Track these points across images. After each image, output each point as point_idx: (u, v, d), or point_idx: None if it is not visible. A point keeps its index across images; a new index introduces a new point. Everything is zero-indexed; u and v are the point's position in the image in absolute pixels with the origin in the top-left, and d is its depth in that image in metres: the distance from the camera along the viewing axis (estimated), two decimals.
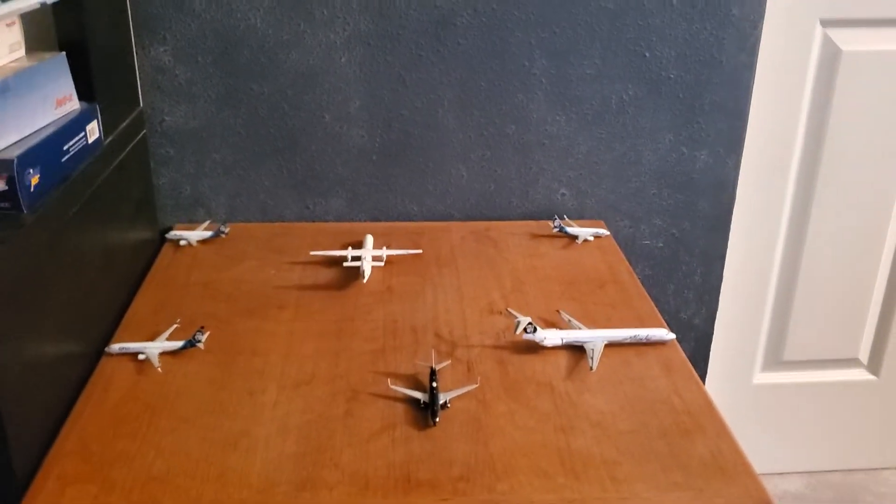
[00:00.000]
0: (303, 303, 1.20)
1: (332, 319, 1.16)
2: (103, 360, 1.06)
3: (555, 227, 1.41)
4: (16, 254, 0.87)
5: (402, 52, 1.37)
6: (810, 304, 1.70)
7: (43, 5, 1.01)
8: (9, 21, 1.01)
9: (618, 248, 1.38)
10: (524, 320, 1.09)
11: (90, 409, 0.97)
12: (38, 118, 1.00)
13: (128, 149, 1.26)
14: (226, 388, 1.01)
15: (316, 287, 1.25)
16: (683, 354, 1.10)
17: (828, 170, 1.58)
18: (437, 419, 0.95)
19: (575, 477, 0.88)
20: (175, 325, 1.12)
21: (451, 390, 1.00)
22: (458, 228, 1.45)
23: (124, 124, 1.26)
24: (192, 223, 1.44)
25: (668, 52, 1.40)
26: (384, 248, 1.34)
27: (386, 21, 1.35)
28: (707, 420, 0.97)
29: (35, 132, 0.99)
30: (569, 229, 1.41)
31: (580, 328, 1.12)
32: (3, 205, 0.91)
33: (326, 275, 1.28)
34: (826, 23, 1.47)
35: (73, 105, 1.08)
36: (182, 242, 1.37)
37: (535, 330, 1.09)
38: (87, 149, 1.09)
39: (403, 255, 1.34)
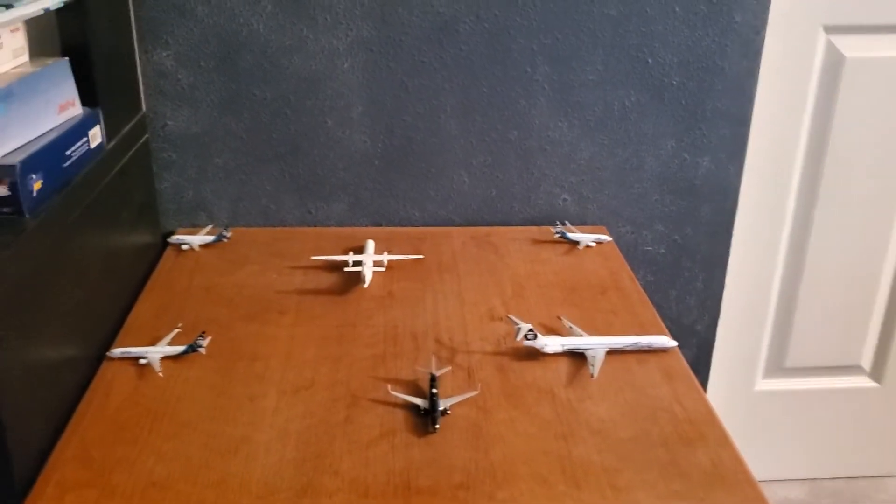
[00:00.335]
0: (304, 308, 1.20)
1: (333, 325, 1.16)
2: (104, 364, 1.07)
3: (556, 232, 1.41)
4: (18, 259, 0.87)
5: (405, 58, 1.37)
6: (812, 311, 1.69)
7: (46, 11, 1.02)
8: (13, 27, 1.01)
9: (619, 254, 1.38)
10: (525, 327, 1.09)
11: (91, 414, 0.97)
12: (40, 123, 1.01)
13: (130, 153, 1.26)
14: (226, 394, 1.01)
15: (317, 292, 1.25)
16: (685, 362, 1.09)
17: (830, 177, 1.58)
18: (438, 426, 0.95)
19: (576, 485, 0.88)
20: (177, 330, 1.12)
21: (451, 396, 0.99)
22: (459, 234, 1.45)
23: (126, 129, 1.26)
24: (194, 227, 1.44)
25: (670, 58, 1.40)
26: (385, 253, 1.34)
27: (388, 27, 1.35)
28: (708, 428, 0.97)
29: (38, 137, 0.99)
30: (570, 235, 1.41)
31: (581, 335, 1.12)
32: (5, 210, 0.91)
33: (328, 280, 1.28)
34: (829, 29, 1.47)
35: (76, 110, 1.08)
36: (184, 247, 1.37)
37: (535, 336, 1.09)
38: (89, 154, 1.09)
39: (404, 261, 1.34)
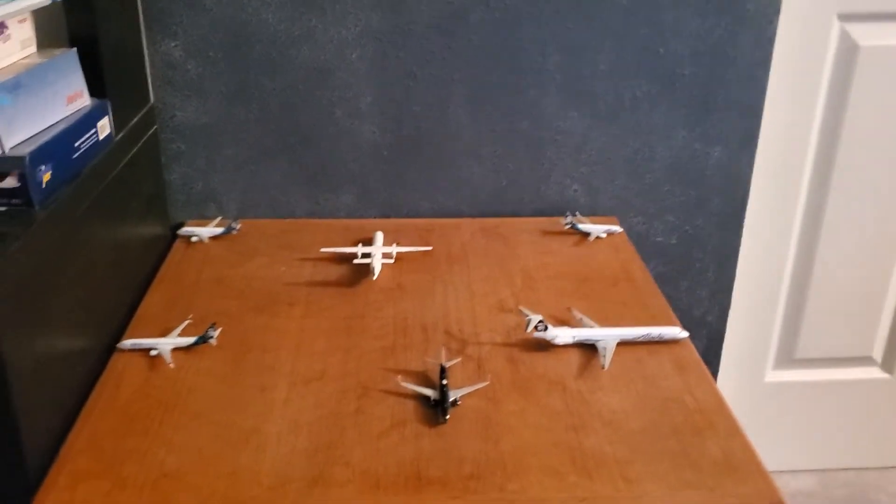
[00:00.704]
0: (313, 299, 1.20)
1: (342, 316, 1.16)
2: (115, 356, 1.07)
3: (567, 223, 1.41)
4: (28, 250, 0.87)
5: (414, 48, 1.37)
6: (824, 302, 1.69)
7: (54, 2, 1.01)
8: (20, 18, 1.01)
9: (630, 244, 1.38)
10: (535, 318, 1.09)
11: (102, 405, 0.97)
12: (49, 115, 1.00)
13: (139, 144, 1.26)
14: (237, 385, 1.01)
15: (326, 284, 1.24)
16: (696, 353, 1.09)
17: (843, 167, 1.56)
18: (448, 416, 0.95)
19: (587, 476, 0.88)
20: (187, 321, 1.12)
21: (461, 388, 0.99)
22: (468, 225, 1.45)
23: (135, 120, 1.26)
24: (203, 219, 1.44)
25: (682, 48, 1.39)
26: (394, 244, 1.34)
27: (397, 16, 1.34)
28: (719, 419, 0.97)
29: (46, 129, 0.99)
30: (581, 226, 1.40)
31: (592, 326, 1.11)
32: (14, 201, 0.91)
33: (337, 271, 1.28)
34: (843, 17, 1.46)
35: (85, 101, 1.08)
36: (193, 239, 1.37)
37: (546, 328, 1.08)
38: (98, 145, 1.09)
39: (413, 252, 1.33)
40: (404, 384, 1.00)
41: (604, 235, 1.39)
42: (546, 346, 1.09)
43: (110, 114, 1.13)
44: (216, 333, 1.08)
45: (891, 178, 1.58)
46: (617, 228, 1.40)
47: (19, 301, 0.85)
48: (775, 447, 1.79)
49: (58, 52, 1.05)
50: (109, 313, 1.12)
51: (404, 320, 1.16)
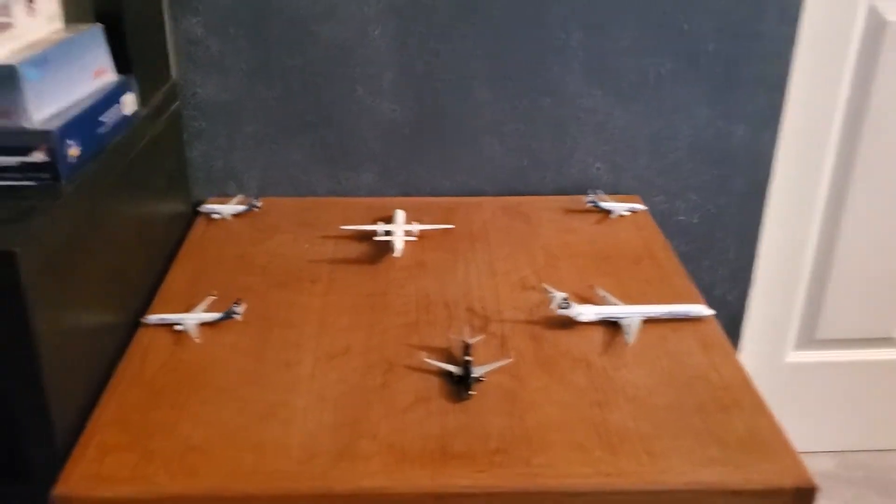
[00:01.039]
0: (335, 276, 1.20)
1: (365, 293, 1.16)
2: (140, 330, 1.07)
3: (589, 201, 1.40)
4: (55, 224, 0.87)
5: (436, 24, 1.36)
6: (845, 283, 1.67)
7: None
8: None
9: (653, 223, 1.37)
10: (559, 295, 1.09)
11: (128, 379, 0.98)
12: (75, 90, 1.01)
13: (161, 121, 1.26)
14: (262, 360, 1.01)
15: (348, 261, 1.25)
16: (721, 330, 1.09)
17: (868, 146, 1.55)
18: (472, 392, 0.95)
19: (611, 451, 0.88)
20: (212, 297, 1.13)
21: (485, 364, 0.99)
22: (489, 203, 1.44)
23: (158, 97, 1.26)
24: (223, 196, 1.45)
25: (706, 24, 1.38)
26: (415, 223, 1.34)
27: None
28: (744, 396, 0.97)
29: (73, 104, 0.99)
30: (603, 204, 1.40)
31: (616, 304, 1.11)
32: (43, 175, 0.92)
33: (358, 249, 1.28)
34: None
35: (110, 77, 1.08)
36: (215, 216, 1.37)
37: (569, 305, 1.08)
38: (123, 121, 1.09)
39: (435, 231, 1.33)
40: (428, 360, 1.01)
41: (626, 213, 1.39)
42: (569, 323, 1.09)
43: (135, 90, 1.13)
44: (241, 309, 1.08)
45: None
46: (640, 206, 1.40)
47: (48, 275, 0.85)
48: (795, 428, 1.77)
49: (84, 27, 1.05)
50: (134, 288, 1.12)
51: (426, 297, 1.16)
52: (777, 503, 0.85)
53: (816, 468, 1.77)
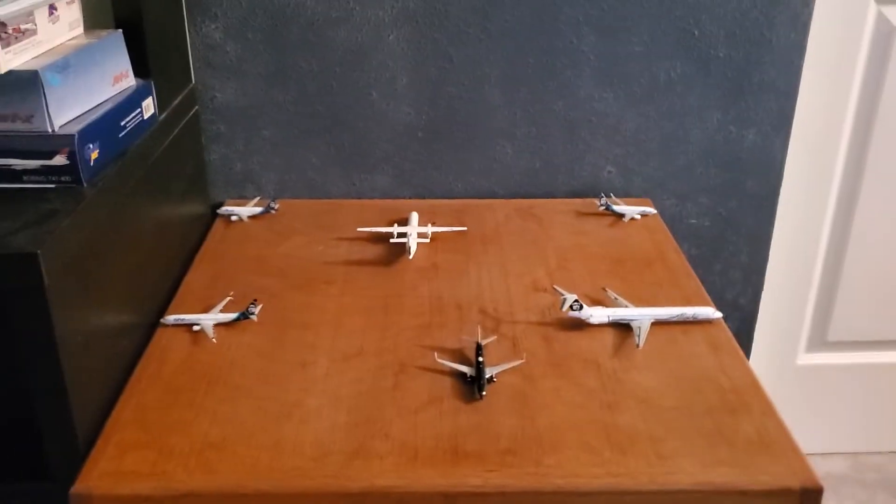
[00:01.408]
0: (350, 278, 1.22)
1: (380, 295, 1.18)
2: (159, 331, 1.09)
3: (601, 205, 1.41)
4: (77, 227, 0.89)
5: (450, 29, 1.38)
6: (856, 285, 1.68)
7: None
8: (69, 0, 1.04)
9: (664, 226, 1.38)
10: (570, 297, 1.10)
11: (147, 379, 1.00)
12: (96, 94, 1.03)
13: (181, 125, 1.28)
14: (278, 360, 1.03)
15: (362, 263, 1.26)
16: (730, 333, 1.10)
17: (878, 150, 1.55)
18: (484, 392, 0.96)
19: (621, 452, 0.89)
20: (228, 298, 1.15)
21: (497, 365, 1.01)
22: (502, 206, 1.46)
23: (177, 101, 1.28)
24: (241, 199, 1.47)
25: (717, 30, 1.39)
26: (429, 225, 1.35)
27: None
28: (753, 398, 0.98)
29: (94, 108, 1.01)
30: (615, 207, 1.41)
31: (627, 306, 1.12)
32: (64, 179, 0.94)
33: (373, 251, 1.30)
34: (881, 0, 1.44)
35: (130, 81, 1.10)
36: (233, 218, 1.39)
37: (581, 307, 1.09)
38: (143, 125, 1.11)
39: (448, 233, 1.35)
40: (441, 361, 1.02)
41: (638, 217, 1.40)
42: (581, 325, 1.10)
43: (154, 94, 1.15)
44: (257, 310, 1.10)
45: None
46: (651, 210, 1.41)
47: (69, 277, 0.87)
48: (806, 430, 1.79)
49: (104, 33, 1.07)
50: (153, 289, 1.15)
51: (440, 299, 1.17)
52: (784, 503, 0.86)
53: (829, 470, 1.78)
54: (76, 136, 0.93)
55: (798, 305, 1.70)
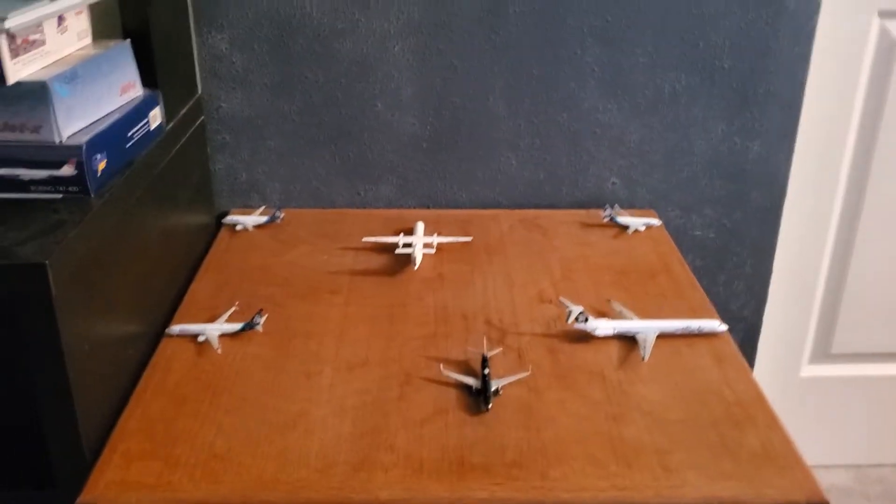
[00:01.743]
0: (355, 288, 1.22)
1: (384, 305, 1.18)
2: (164, 341, 1.09)
3: (606, 216, 1.42)
4: (84, 237, 0.90)
5: (455, 40, 1.38)
6: (860, 297, 1.68)
7: None
8: (77, 10, 1.04)
9: (669, 238, 1.38)
10: (576, 309, 1.10)
11: (152, 388, 1.00)
12: (104, 104, 1.03)
13: (187, 135, 1.29)
14: (283, 370, 1.03)
15: (367, 273, 1.27)
16: (735, 346, 1.10)
17: (881, 163, 1.56)
18: (490, 405, 0.96)
19: (627, 465, 0.89)
20: (234, 308, 1.15)
21: (502, 377, 1.01)
22: (506, 216, 1.46)
23: (184, 111, 1.28)
24: (246, 208, 1.47)
25: (721, 41, 1.39)
26: (435, 235, 1.36)
27: (438, 9, 1.36)
28: (758, 411, 0.97)
29: (101, 118, 1.02)
30: (620, 219, 1.41)
31: (632, 318, 1.12)
32: (72, 189, 0.94)
33: (378, 261, 1.30)
34: (884, 14, 1.45)
35: (137, 92, 1.11)
36: (238, 227, 1.39)
37: (586, 319, 1.09)
38: (149, 135, 1.12)
39: (453, 243, 1.35)
40: (446, 373, 1.02)
41: (642, 228, 1.40)
42: (586, 337, 1.11)
43: (161, 104, 1.15)
44: (262, 320, 1.10)
45: None
46: (656, 221, 1.41)
47: (76, 286, 0.87)
48: (810, 442, 1.79)
49: (112, 43, 1.08)
50: (159, 299, 1.15)
51: (445, 310, 1.17)
52: None
53: (833, 482, 1.77)
54: (84, 147, 0.94)
55: (802, 317, 1.70)
